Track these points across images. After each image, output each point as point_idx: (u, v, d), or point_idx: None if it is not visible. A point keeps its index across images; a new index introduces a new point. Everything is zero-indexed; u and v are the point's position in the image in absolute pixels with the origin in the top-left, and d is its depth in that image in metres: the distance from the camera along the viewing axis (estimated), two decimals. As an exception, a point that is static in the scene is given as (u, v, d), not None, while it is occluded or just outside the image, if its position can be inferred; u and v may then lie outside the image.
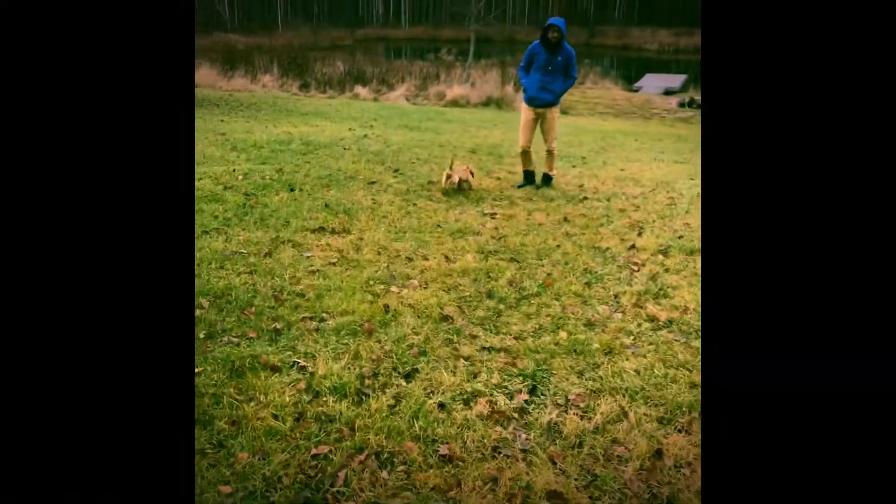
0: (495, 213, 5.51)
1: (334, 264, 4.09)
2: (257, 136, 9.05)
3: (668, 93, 23.94)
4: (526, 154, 6.65)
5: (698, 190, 6.82)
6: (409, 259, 4.26)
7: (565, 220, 5.39)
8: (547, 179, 6.82)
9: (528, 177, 6.78)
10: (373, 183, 6.47)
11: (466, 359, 2.95)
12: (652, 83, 24.93)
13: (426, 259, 4.27)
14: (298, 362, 2.82)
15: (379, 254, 4.33)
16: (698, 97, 21.50)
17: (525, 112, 6.49)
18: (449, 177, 6.22)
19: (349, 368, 2.80)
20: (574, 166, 8.18)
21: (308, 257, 4.20)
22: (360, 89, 17.22)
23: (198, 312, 3.24)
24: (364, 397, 2.59)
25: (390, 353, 2.96)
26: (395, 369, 2.83)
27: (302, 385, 2.65)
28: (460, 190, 6.26)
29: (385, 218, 5.17)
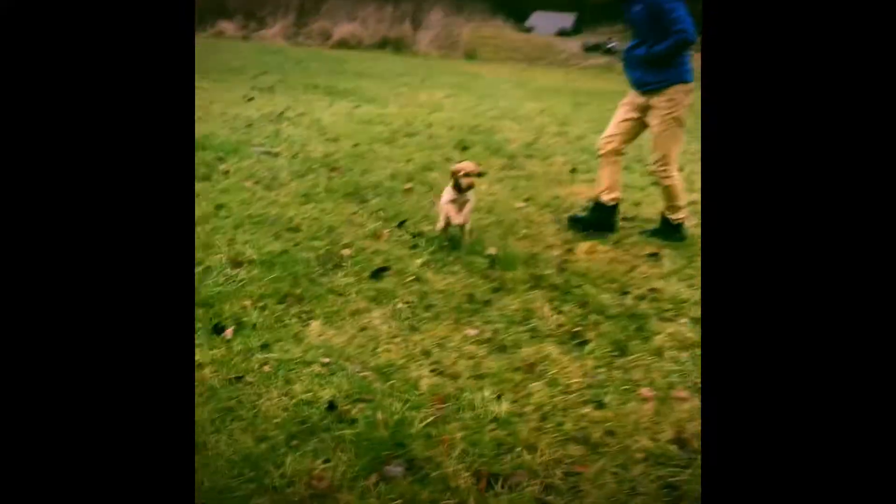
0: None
1: None
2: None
3: (562, 33, 21.90)
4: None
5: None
6: None
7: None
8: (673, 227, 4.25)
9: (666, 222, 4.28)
10: (382, 271, 3.54)
11: None
12: (542, 22, 22.69)
13: None
14: None
15: None
16: (595, 39, 19.62)
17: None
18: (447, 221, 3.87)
19: None
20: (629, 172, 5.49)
21: None
22: (224, 24, 13.28)
23: None
24: None
25: None
26: None
27: None
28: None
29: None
